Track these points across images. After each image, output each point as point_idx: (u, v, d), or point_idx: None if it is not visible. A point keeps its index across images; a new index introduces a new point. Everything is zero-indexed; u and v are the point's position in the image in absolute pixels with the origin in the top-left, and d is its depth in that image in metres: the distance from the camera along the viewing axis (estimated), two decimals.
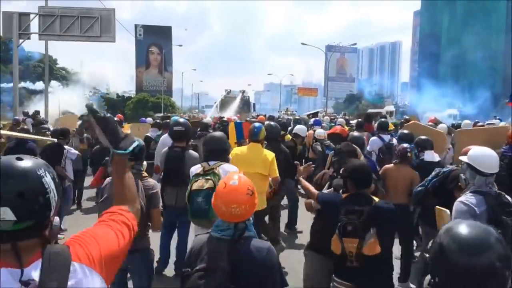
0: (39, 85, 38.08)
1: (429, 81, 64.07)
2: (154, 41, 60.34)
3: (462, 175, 3.09)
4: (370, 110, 36.04)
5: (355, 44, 51.35)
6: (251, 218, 2.23)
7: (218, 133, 4.37)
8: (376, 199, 3.02)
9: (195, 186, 3.58)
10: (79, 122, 10.15)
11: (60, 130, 7.10)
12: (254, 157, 4.69)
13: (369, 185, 3.10)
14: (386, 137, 7.07)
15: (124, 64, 62.90)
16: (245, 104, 37.75)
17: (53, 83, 40.03)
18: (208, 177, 3.57)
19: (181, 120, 5.44)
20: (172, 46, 61.23)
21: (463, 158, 3.03)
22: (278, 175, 4.78)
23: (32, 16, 15.39)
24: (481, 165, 2.91)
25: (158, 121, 10.13)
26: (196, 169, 3.88)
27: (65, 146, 6.68)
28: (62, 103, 23.33)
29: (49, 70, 41.42)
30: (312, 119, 12.36)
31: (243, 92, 44.29)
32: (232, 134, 7.78)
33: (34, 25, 15.53)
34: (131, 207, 1.50)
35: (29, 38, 15.70)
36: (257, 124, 5.04)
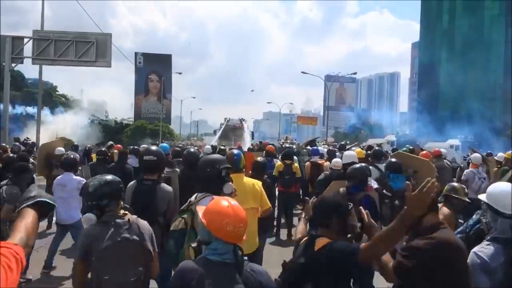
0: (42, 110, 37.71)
1: (429, 112, 64.04)
2: (154, 69, 60.45)
3: (483, 218, 2.56)
4: (371, 140, 35.53)
5: (355, 73, 51.37)
6: None
7: (214, 156, 3.70)
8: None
9: (172, 225, 3.12)
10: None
11: None
12: (242, 189, 3.92)
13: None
14: (382, 167, 6.48)
15: (124, 92, 62.96)
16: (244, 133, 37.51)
17: (46, 110, 39.57)
18: (184, 215, 3.08)
19: (153, 148, 4.51)
20: (171, 73, 61.32)
21: (482, 197, 2.44)
22: (270, 205, 4.25)
23: (26, 40, 14.95)
24: (502, 205, 2.31)
25: (135, 147, 9.05)
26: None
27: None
28: (60, 130, 22.78)
29: (48, 97, 40.91)
30: (310, 148, 11.20)
31: (242, 120, 44.17)
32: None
33: (28, 49, 15.11)
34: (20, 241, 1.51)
35: (21, 63, 15.25)
36: (235, 151, 4.47)
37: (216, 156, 3.68)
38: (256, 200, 4.07)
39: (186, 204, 3.21)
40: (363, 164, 5.02)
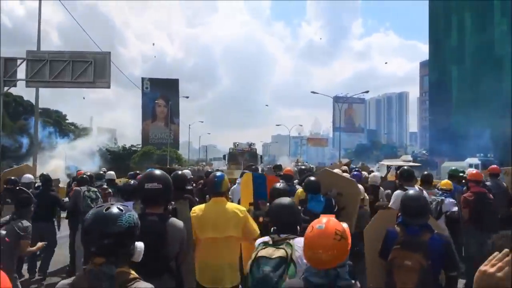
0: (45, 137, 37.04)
1: (442, 130, 62.58)
2: (161, 94, 59.97)
3: None
4: (385, 161, 34.13)
5: (367, 91, 50.00)
6: (347, 266, 2.12)
7: (286, 200, 3.21)
8: None
9: (263, 252, 2.88)
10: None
11: None
12: (222, 216, 3.70)
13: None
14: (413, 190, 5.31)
15: (133, 119, 62.47)
16: (252, 157, 37.23)
17: (56, 138, 39.04)
18: (280, 246, 2.85)
19: (157, 172, 3.24)
20: (179, 98, 60.83)
21: None
22: (258, 233, 3.72)
23: (19, 61, 13.98)
24: None
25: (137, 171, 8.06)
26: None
27: None
28: (68, 159, 21.86)
29: (58, 125, 40.30)
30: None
31: (251, 144, 44.44)
32: (248, 190, 5.43)
33: (23, 71, 14.14)
34: None
35: (15, 85, 14.24)
36: (218, 173, 4.05)
37: (292, 206, 3.21)
38: (237, 228, 3.69)
39: (278, 238, 2.91)
40: (419, 191, 3.77)
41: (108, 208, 1.89)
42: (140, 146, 55.94)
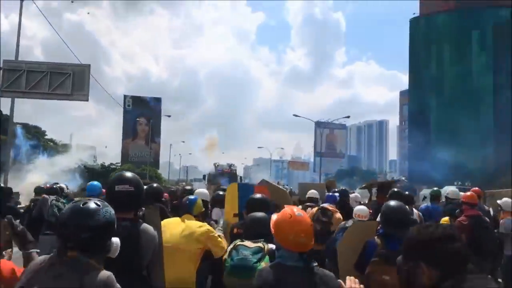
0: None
1: (421, 158, 63.46)
2: (143, 112, 59.43)
3: None
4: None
5: (348, 116, 50.75)
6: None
7: (260, 214, 3.40)
8: None
9: (241, 243, 3.07)
10: None
11: None
12: (178, 226, 3.62)
13: None
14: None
15: (115, 137, 61.74)
16: (232, 177, 37.49)
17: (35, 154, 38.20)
18: (258, 241, 3.04)
19: (128, 174, 3.00)
20: (161, 117, 60.42)
21: None
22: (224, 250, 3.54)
23: None
24: None
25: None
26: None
27: None
28: (47, 176, 21.26)
29: (36, 141, 39.39)
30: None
31: (231, 165, 44.96)
32: (233, 201, 5.22)
33: None
34: None
35: None
36: (191, 197, 4.02)
37: (265, 219, 3.29)
38: (190, 241, 3.52)
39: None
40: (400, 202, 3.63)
41: (85, 203, 1.89)
42: (120, 164, 55.05)
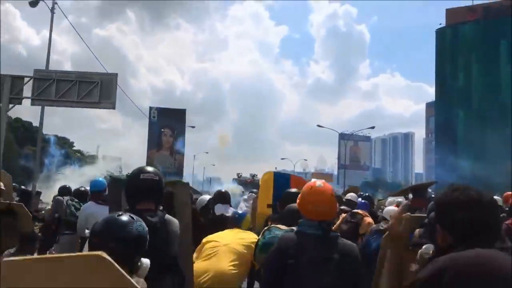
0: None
1: (447, 171, 62.09)
2: (168, 123, 60.29)
3: None
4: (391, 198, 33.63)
5: (373, 127, 50.39)
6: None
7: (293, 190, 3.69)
8: None
9: (275, 225, 3.26)
10: None
11: None
12: (242, 236, 3.73)
13: None
14: None
15: (140, 148, 62.71)
16: (255, 187, 37.55)
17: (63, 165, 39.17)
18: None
19: (149, 168, 2.97)
20: (185, 128, 61.17)
21: None
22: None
23: (26, 79, 14.07)
24: None
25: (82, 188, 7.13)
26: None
27: None
28: (74, 185, 21.71)
29: (65, 153, 40.37)
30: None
31: (254, 176, 45.46)
32: (267, 191, 5.01)
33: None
34: None
35: (20, 103, 14.27)
36: (240, 211, 4.31)
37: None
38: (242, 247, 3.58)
39: None
40: None
41: (120, 215, 1.92)
42: None
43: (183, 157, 62.05)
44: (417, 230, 3.18)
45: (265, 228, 3.25)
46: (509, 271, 1.31)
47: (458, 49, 73.23)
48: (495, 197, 7.58)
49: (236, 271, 3.37)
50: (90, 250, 1.86)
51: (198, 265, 3.38)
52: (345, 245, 2.41)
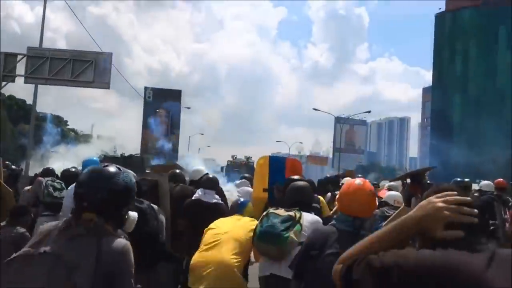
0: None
1: (442, 156, 62.42)
2: (163, 104, 59.99)
3: None
4: (384, 182, 33.79)
5: (369, 111, 50.38)
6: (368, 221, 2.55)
7: (302, 183, 3.67)
8: None
9: (274, 211, 3.19)
10: None
11: None
12: (233, 219, 3.66)
13: None
14: None
15: (135, 128, 62.31)
16: (249, 170, 38.03)
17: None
18: (291, 210, 3.15)
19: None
20: (180, 109, 60.89)
21: None
22: None
23: (19, 57, 13.84)
24: None
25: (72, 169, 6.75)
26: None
27: None
28: (69, 164, 21.67)
29: (60, 131, 40.26)
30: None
31: (248, 158, 45.80)
32: (262, 175, 5.00)
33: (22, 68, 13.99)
34: None
35: (13, 81, 14.07)
36: (242, 199, 4.07)
37: (307, 187, 3.61)
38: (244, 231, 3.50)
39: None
40: None
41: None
42: (139, 155, 55.74)
43: (178, 138, 61.94)
44: None
45: (264, 213, 3.21)
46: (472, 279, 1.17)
47: (456, 34, 72.85)
48: (484, 182, 7.56)
49: (238, 261, 3.32)
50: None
51: (199, 255, 3.34)
52: None
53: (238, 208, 3.80)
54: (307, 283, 2.46)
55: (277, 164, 5.10)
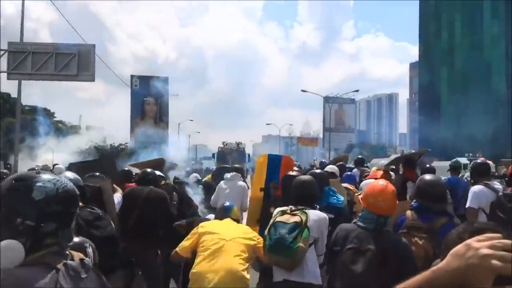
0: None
1: (431, 131, 62.88)
2: (150, 92, 59.28)
3: None
4: (375, 160, 33.99)
5: (357, 90, 50.61)
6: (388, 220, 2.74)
7: (307, 177, 3.75)
8: None
9: (280, 219, 3.24)
10: None
11: None
12: (229, 223, 3.75)
13: None
14: (498, 187, 4.47)
15: (123, 118, 61.65)
16: (241, 155, 38.10)
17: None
18: (296, 213, 3.21)
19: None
20: (168, 96, 60.38)
21: None
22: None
23: (1, 52, 13.57)
24: None
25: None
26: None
27: None
28: (56, 157, 21.46)
29: (46, 123, 39.94)
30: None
31: (239, 143, 45.70)
32: (261, 174, 4.96)
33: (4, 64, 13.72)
34: None
35: None
36: (227, 203, 4.08)
37: (312, 181, 3.65)
38: (245, 236, 3.58)
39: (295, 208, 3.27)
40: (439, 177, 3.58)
41: (39, 172, 1.44)
42: (128, 144, 55.44)
43: (168, 125, 61.52)
44: (409, 212, 3.10)
45: (270, 223, 3.24)
46: None
47: (442, 8, 72.66)
48: (481, 159, 7.45)
49: (246, 268, 3.36)
50: None
51: (205, 263, 3.29)
52: (390, 240, 2.68)
53: (223, 212, 3.89)
54: (330, 275, 2.78)
55: (274, 161, 5.08)
